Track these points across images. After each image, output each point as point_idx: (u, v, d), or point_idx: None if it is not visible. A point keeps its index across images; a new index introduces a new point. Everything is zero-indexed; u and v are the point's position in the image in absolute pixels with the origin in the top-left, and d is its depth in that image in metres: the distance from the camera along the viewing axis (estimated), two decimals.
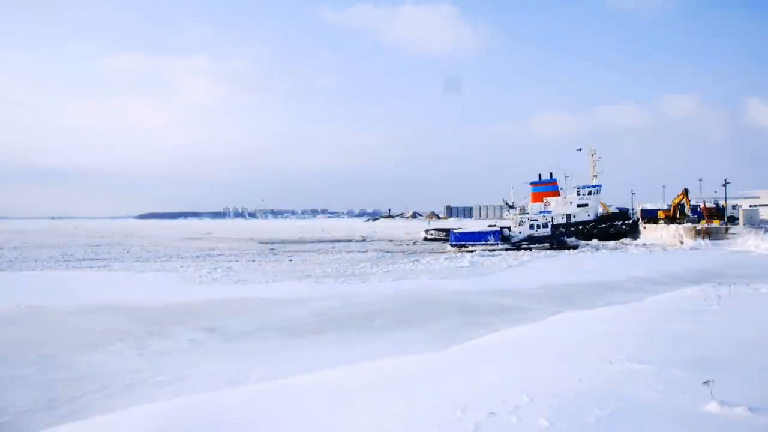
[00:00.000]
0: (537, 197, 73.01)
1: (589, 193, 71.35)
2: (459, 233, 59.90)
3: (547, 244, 56.21)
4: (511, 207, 68.44)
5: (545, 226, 59.28)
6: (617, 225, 70.81)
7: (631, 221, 71.67)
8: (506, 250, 54.34)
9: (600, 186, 72.27)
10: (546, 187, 73.14)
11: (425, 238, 78.72)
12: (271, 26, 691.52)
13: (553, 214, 70.25)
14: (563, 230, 66.89)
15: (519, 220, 64.03)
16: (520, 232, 58.53)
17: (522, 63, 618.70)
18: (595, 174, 72.84)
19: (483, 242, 57.05)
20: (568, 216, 70.48)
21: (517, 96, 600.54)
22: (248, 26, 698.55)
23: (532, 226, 58.77)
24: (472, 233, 59.96)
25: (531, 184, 74.36)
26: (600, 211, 72.84)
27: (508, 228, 60.35)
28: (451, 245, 57.91)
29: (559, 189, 73.08)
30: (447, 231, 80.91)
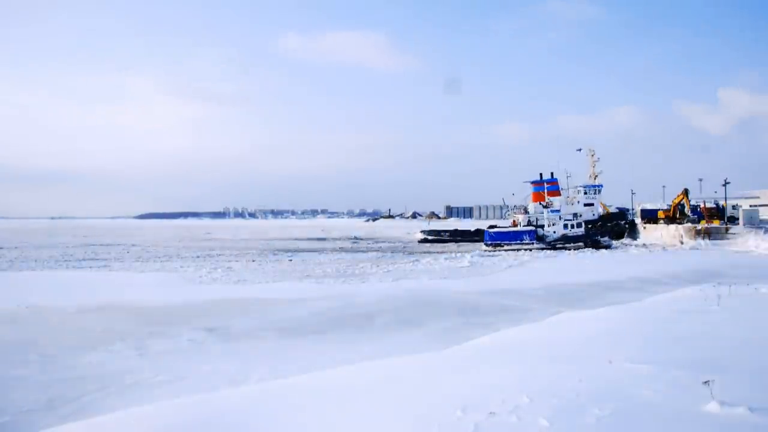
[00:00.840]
0: (538, 197, 73.00)
1: (594, 193, 71.49)
2: (494, 233, 60.24)
3: (581, 244, 56.22)
4: (545, 207, 66.75)
5: (579, 226, 59.26)
6: (621, 224, 70.93)
7: (630, 221, 71.77)
8: (541, 249, 54.45)
9: (601, 186, 72.42)
10: (547, 187, 73.14)
11: (422, 240, 77.69)
12: (224, 53, 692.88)
13: (560, 213, 70.25)
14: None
15: (527, 219, 64.13)
16: (554, 232, 58.58)
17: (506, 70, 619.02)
18: (595, 174, 72.90)
19: (518, 242, 57.31)
20: (575, 215, 70.49)
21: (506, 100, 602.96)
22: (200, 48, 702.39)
23: (566, 226, 58.87)
24: (507, 233, 60.15)
25: (532, 183, 74.28)
26: (600, 210, 72.89)
27: (542, 227, 60.20)
28: (486, 244, 58.18)
29: (560, 189, 73.07)
30: (445, 232, 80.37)
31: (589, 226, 68.06)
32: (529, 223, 64.54)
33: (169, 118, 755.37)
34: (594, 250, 53.18)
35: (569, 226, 58.91)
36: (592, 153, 73.43)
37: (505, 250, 53.71)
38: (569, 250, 53.75)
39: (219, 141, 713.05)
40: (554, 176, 73.86)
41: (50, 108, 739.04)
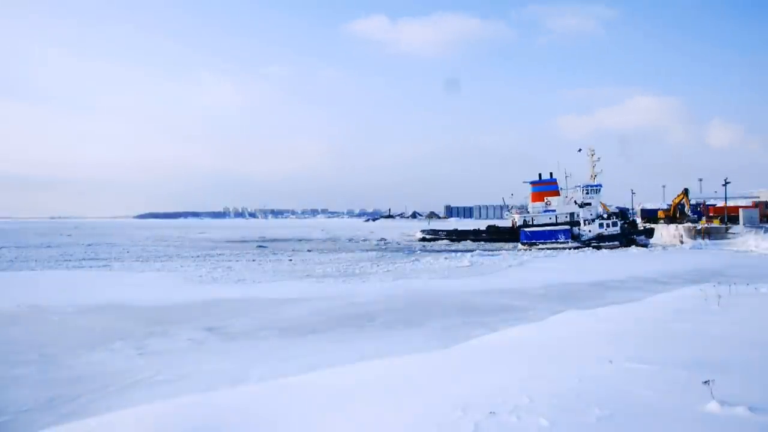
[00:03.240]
0: (537, 197, 73.19)
1: (592, 192, 71.52)
2: (530, 232, 60.50)
3: (617, 242, 56.20)
4: (570, 213, 66.40)
5: (614, 225, 59.25)
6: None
7: (631, 221, 71.88)
8: (576, 248, 54.53)
9: (600, 186, 72.46)
10: (546, 187, 73.29)
11: (422, 239, 77.64)
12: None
13: (557, 213, 70.44)
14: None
15: (523, 218, 64.16)
16: (589, 231, 58.67)
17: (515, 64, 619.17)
18: (594, 174, 72.95)
19: (553, 240, 57.58)
20: (572, 215, 70.59)
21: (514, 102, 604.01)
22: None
23: (601, 225, 58.95)
24: (543, 232, 60.35)
25: (531, 183, 74.45)
26: (600, 210, 72.95)
27: (578, 226, 60.20)
28: (522, 243, 58.32)
29: (559, 189, 73.24)
30: (444, 232, 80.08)
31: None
32: (525, 223, 64.71)
33: (168, 119, 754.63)
34: (627, 248, 53.24)
35: (605, 225, 58.73)
36: (592, 153, 73.45)
37: (540, 249, 53.92)
38: (605, 249, 53.69)
39: (218, 141, 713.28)
40: (553, 176, 74.11)
41: (50, 108, 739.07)
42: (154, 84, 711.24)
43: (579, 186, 71.97)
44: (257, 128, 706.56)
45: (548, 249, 54.48)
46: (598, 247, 54.60)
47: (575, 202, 68.05)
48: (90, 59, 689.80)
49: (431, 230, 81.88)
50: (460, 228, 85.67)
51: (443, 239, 74.40)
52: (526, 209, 73.49)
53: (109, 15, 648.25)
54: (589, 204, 70.70)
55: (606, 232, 58.05)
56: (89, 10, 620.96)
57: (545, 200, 72.16)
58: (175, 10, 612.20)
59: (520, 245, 58.63)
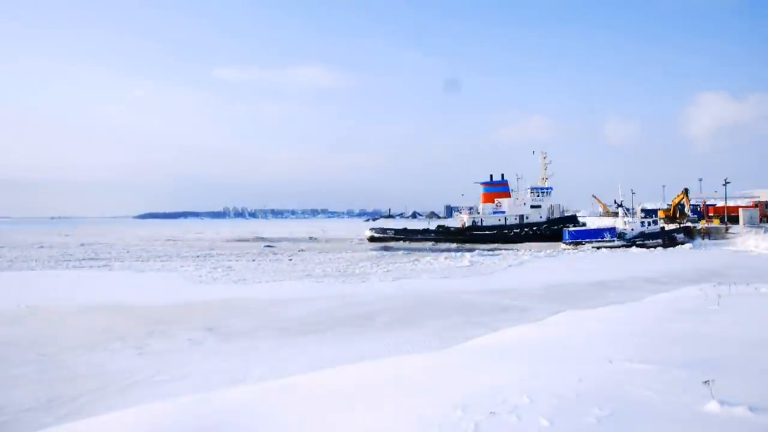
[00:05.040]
0: (488, 197, 73.46)
1: (542, 195, 71.90)
2: (574, 231, 60.80)
3: (659, 240, 56.65)
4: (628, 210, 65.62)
5: (655, 223, 59.72)
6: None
7: (581, 224, 71.23)
8: (621, 246, 55.03)
9: (551, 188, 72.82)
10: (497, 188, 73.64)
11: (371, 238, 72.74)
12: None
13: (506, 214, 70.79)
14: (517, 231, 68.65)
15: (472, 219, 65.97)
16: (632, 230, 58.88)
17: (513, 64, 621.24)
18: (545, 176, 73.23)
19: (599, 239, 57.97)
20: (521, 217, 70.81)
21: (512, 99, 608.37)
22: None
23: (643, 224, 59.29)
24: (588, 231, 60.94)
25: (482, 184, 74.56)
26: (551, 212, 72.15)
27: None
28: (565, 243, 58.57)
29: (511, 190, 73.52)
30: (392, 230, 76.45)
31: (534, 228, 68.77)
32: (474, 224, 66.79)
33: (167, 119, 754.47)
34: (669, 248, 53.72)
35: (646, 223, 59.23)
36: (544, 155, 73.75)
37: (592, 248, 54.86)
38: (648, 247, 54.09)
39: (218, 141, 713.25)
40: (504, 178, 74.38)
41: (49, 104, 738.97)
42: (153, 87, 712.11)
43: (528, 188, 72.46)
44: (254, 129, 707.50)
45: (594, 247, 55.11)
46: (643, 245, 55.01)
47: (616, 203, 68.25)
48: (90, 65, 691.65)
49: (380, 228, 78.38)
50: (409, 227, 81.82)
51: (392, 238, 72.05)
52: (477, 210, 73.49)
53: (109, 20, 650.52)
54: (535, 205, 70.82)
55: (648, 231, 58.44)
56: (86, 16, 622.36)
57: (495, 201, 72.50)
58: (168, 12, 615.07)
59: (563, 245, 58.93)
